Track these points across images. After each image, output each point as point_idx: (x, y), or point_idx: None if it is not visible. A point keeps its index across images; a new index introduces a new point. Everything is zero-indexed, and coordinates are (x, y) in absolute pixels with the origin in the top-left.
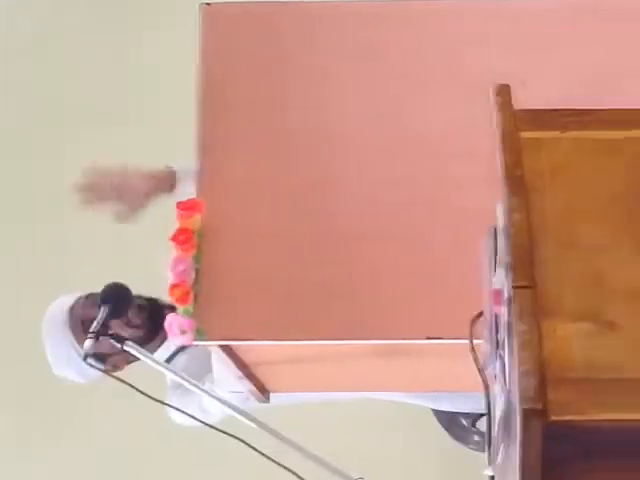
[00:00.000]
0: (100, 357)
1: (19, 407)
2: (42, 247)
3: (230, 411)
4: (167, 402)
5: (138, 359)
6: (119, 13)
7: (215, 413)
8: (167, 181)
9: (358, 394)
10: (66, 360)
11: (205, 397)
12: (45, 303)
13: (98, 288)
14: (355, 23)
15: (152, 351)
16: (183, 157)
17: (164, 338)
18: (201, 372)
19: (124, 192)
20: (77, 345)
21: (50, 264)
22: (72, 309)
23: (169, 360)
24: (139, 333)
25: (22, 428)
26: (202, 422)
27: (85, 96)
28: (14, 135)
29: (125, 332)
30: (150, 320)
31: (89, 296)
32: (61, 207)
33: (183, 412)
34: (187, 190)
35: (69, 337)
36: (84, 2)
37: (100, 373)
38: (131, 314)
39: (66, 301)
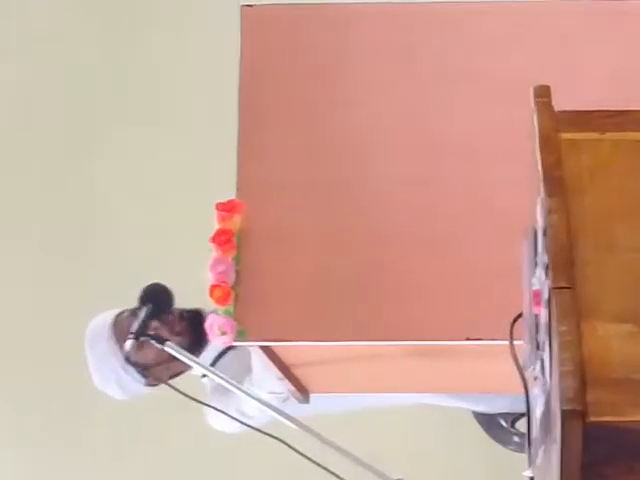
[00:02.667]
0: (142, 370)
1: (40, 409)
2: (78, 256)
3: (270, 412)
4: (206, 408)
5: (180, 373)
6: (149, 14)
7: (255, 416)
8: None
9: (396, 401)
10: (110, 374)
11: (245, 400)
12: (78, 310)
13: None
14: (387, 24)
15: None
16: (216, 159)
17: (205, 344)
18: (240, 376)
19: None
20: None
21: (86, 272)
22: (116, 322)
23: (212, 365)
24: (184, 342)
25: (43, 430)
26: (243, 423)
27: (119, 96)
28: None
29: (170, 339)
30: (193, 328)
31: (135, 310)
32: (94, 215)
33: (225, 413)
34: None
35: (114, 349)
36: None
37: (141, 389)
38: (173, 320)
39: (107, 315)
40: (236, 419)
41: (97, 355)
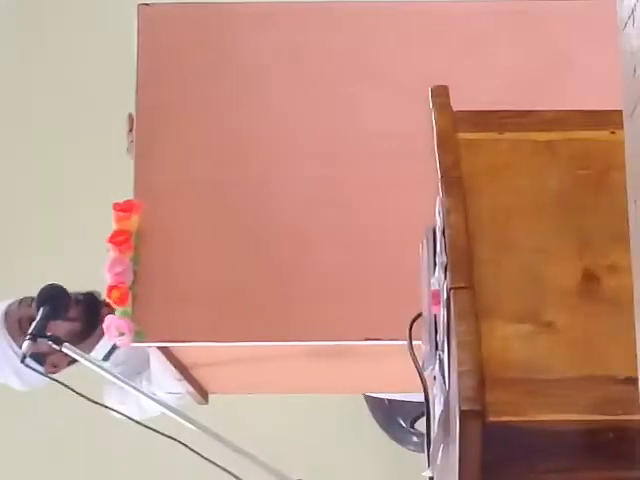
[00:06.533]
0: (39, 357)
1: None
2: None
3: (167, 412)
4: (106, 397)
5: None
6: (47, 13)
7: (153, 410)
8: None
9: None
10: (8, 366)
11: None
12: None
13: (34, 291)
14: (291, 23)
15: (91, 347)
16: (114, 159)
17: (103, 333)
18: (141, 365)
19: None
20: (16, 348)
21: None
22: (7, 313)
23: (109, 355)
24: (77, 327)
25: None
26: (138, 422)
27: (20, 97)
28: None
29: (63, 327)
30: (87, 313)
31: (23, 300)
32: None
33: (120, 413)
34: None
35: (8, 340)
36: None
37: (40, 379)
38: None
39: None
40: (131, 418)
41: None
